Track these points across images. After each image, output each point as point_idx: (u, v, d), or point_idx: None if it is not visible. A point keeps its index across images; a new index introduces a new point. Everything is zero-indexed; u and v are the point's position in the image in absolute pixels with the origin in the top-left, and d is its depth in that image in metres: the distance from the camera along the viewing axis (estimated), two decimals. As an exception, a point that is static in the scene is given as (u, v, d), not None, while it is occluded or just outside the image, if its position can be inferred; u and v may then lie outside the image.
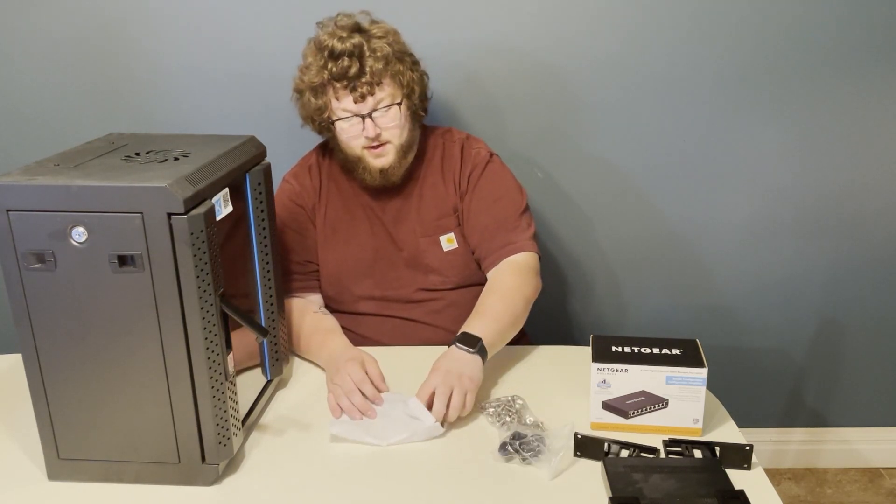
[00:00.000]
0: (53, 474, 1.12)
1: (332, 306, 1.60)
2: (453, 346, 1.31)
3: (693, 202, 1.95)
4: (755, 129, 1.89)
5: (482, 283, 1.57)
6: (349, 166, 1.53)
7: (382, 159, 1.48)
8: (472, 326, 1.35)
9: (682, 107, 1.87)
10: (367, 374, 1.32)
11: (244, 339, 1.21)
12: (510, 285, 1.46)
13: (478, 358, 1.29)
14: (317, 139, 1.65)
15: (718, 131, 1.89)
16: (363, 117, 1.44)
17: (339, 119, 1.46)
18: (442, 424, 1.22)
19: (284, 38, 1.78)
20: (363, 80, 1.42)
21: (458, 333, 1.34)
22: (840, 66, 1.83)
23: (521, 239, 1.52)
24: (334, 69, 1.42)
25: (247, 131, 1.32)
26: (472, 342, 1.31)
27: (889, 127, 1.89)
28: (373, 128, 1.44)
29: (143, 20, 1.78)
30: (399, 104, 1.46)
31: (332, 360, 1.38)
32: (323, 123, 1.50)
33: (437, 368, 1.27)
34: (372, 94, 1.43)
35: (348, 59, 1.41)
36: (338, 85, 1.44)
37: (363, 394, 1.28)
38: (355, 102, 1.44)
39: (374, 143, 1.46)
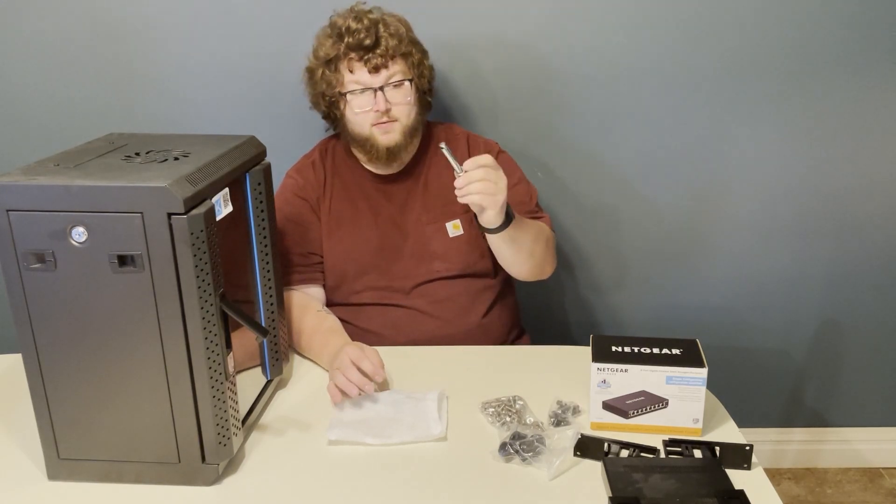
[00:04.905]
0: (53, 474, 1.12)
1: (333, 298, 1.60)
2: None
3: (693, 202, 1.95)
4: (756, 128, 1.89)
5: (485, 273, 1.58)
6: (356, 147, 1.54)
7: (389, 136, 1.49)
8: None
9: (684, 106, 1.87)
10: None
11: (244, 339, 1.21)
12: (546, 231, 1.57)
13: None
14: (318, 138, 1.65)
15: (719, 131, 1.89)
16: (375, 91, 1.46)
17: (350, 91, 1.48)
18: None
19: (285, 39, 1.78)
20: (378, 51, 1.46)
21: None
22: (840, 65, 1.83)
23: (545, 222, 1.60)
24: (350, 40, 1.46)
25: (247, 131, 1.32)
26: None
27: (890, 127, 1.89)
28: (384, 101, 1.46)
29: (143, 20, 1.78)
30: (410, 80, 1.49)
31: (333, 359, 1.38)
32: (333, 99, 1.52)
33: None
34: (385, 66, 1.47)
35: (365, 32, 1.46)
36: (353, 56, 1.47)
37: (363, 380, 1.26)
38: (369, 73, 1.46)
39: (384, 119, 1.48)
